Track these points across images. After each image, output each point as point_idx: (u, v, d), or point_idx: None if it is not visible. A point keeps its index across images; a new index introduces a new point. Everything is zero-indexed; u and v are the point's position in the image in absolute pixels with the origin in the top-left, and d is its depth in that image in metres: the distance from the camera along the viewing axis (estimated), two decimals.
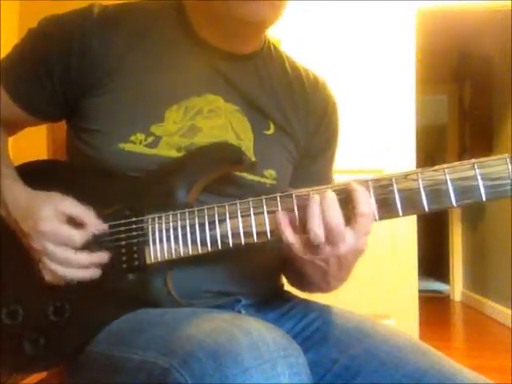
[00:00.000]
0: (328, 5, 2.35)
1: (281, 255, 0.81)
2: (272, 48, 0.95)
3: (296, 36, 2.24)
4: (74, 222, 0.77)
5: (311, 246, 0.69)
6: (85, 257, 0.76)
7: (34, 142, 1.09)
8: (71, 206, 0.78)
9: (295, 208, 0.71)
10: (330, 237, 0.68)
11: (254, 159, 0.85)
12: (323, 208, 0.68)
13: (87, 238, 0.77)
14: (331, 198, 0.68)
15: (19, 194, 0.81)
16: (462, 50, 4.74)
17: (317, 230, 0.67)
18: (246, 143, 0.86)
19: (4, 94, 0.86)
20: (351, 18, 2.36)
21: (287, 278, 0.96)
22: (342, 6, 2.36)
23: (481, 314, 4.31)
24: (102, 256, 0.77)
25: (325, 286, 0.79)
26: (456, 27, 4.03)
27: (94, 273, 0.77)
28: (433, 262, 5.84)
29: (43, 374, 0.99)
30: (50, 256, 0.75)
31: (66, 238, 0.75)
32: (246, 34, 0.87)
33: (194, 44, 0.86)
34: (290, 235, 0.70)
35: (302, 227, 0.70)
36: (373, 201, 0.69)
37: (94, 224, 0.78)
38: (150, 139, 0.80)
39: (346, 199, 0.68)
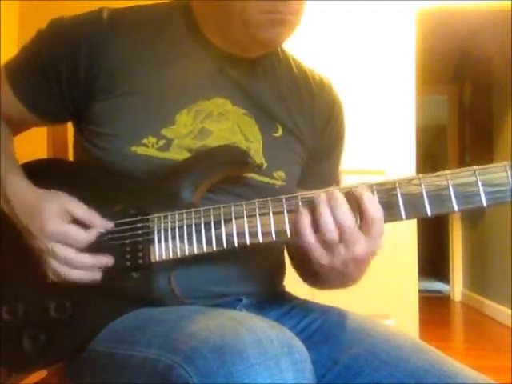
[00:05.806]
0: (328, 6, 2.36)
1: (296, 257, 0.80)
2: (279, 50, 0.96)
3: (296, 36, 2.24)
4: (79, 223, 0.77)
5: (327, 245, 0.69)
6: (88, 258, 0.76)
7: (34, 143, 1.09)
8: (77, 206, 0.78)
9: (306, 209, 0.71)
10: (344, 235, 0.68)
11: (263, 161, 0.85)
12: (332, 206, 0.68)
13: (92, 239, 0.77)
14: (338, 196, 0.68)
15: (24, 191, 0.80)
16: (462, 50, 4.75)
17: (329, 227, 0.68)
18: (255, 145, 0.86)
19: (11, 95, 0.86)
20: (351, 18, 2.37)
21: (301, 276, 0.94)
22: (342, 6, 2.37)
23: (481, 314, 4.31)
24: (106, 259, 0.77)
25: (341, 286, 0.79)
26: (456, 27, 4.04)
27: (95, 275, 0.77)
28: (433, 262, 5.84)
29: (43, 374, 0.98)
30: (54, 255, 0.76)
31: (71, 237, 0.76)
32: (260, 50, 0.88)
33: (202, 47, 0.86)
34: (310, 235, 0.69)
35: (315, 228, 0.69)
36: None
37: (100, 224, 0.78)
38: (162, 142, 0.80)
39: (353, 203, 0.69)
